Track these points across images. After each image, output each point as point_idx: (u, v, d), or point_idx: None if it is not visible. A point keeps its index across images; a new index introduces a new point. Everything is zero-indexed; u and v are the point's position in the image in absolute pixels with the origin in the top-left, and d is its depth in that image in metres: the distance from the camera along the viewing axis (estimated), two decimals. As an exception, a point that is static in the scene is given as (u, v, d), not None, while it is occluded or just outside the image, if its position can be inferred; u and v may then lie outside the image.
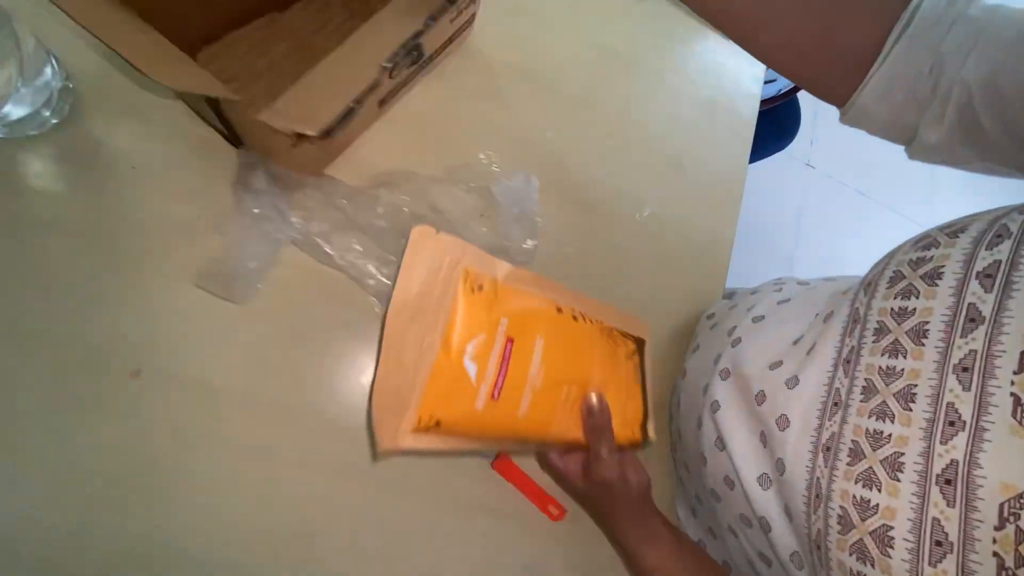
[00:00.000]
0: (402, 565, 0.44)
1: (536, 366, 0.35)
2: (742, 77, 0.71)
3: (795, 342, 0.38)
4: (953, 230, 0.30)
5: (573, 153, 0.58)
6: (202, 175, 0.44)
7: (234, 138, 0.41)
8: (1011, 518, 0.23)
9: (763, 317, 0.43)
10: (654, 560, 0.40)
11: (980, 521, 0.24)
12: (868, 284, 0.34)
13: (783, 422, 0.35)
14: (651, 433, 0.40)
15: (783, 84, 1.17)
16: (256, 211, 0.41)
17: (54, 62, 0.41)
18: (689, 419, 0.45)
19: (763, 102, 0.81)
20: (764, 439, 0.36)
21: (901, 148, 0.43)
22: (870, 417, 0.30)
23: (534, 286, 0.39)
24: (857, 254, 1.80)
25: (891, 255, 0.33)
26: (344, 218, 0.44)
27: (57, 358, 0.40)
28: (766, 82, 1.05)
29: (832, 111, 0.36)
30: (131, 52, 0.25)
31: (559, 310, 0.39)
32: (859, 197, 1.83)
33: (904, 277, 0.31)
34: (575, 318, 0.39)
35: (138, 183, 0.44)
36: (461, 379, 0.32)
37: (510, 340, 0.34)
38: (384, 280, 0.44)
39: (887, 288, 0.32)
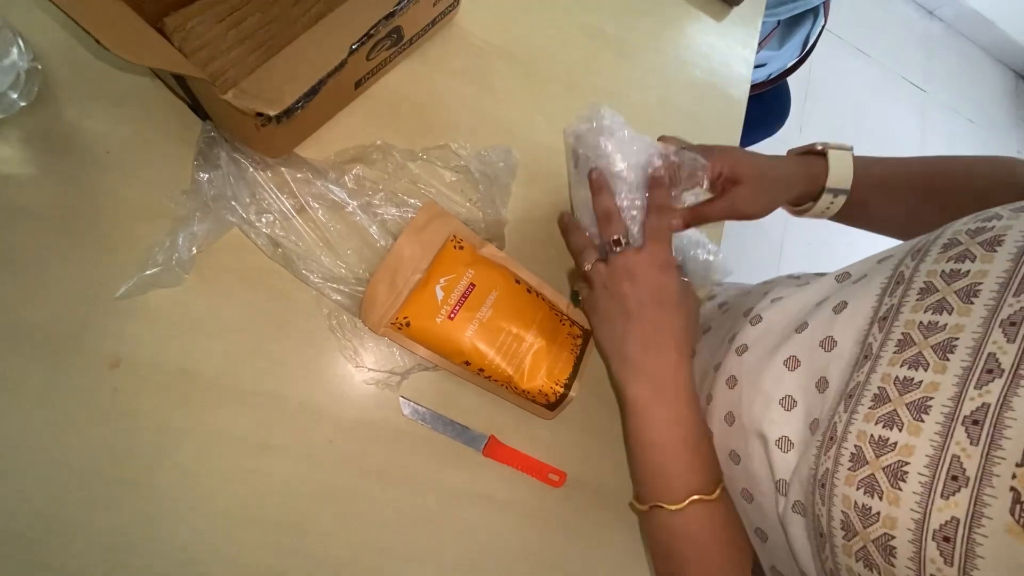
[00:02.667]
0: (394, 552, 0.44)
1: (486, 308, 0.45)
2: (733, 60, 0.70)
3: (818, 304, 0.38)
4: (1019, 207, 0.31)
5: (560, 137, 0.57)
6: (177, 156, 0.43)
7: (200, 110, 0.40)
8: None
9: (782, 297, 0.43)
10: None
11: (1002, 458, 0.24)
12: (918, 250, 0.34)
13: (823, 384, 0.35)
14: (573, 392, 0.46)
15: (773, 69, 1.16)
16: (212, 192, 0.40)
17: (20, 42, 0.40)
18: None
19: (753, 87, 0.80)
20: (791, 403, 0.36)
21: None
22: (902, 366, 0.30)
23: (504, 262, 0.49)
24: (846, 242, 1.82)
25: (947, 226, 0.34)
26: (302, 203, 0.43)
27: (32, 348, 0.39)
28: (756, 66, 1.04)
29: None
30: (94, 24, 0.24)
31: (517, 281, 0.49)
32: (848, 183, 1.83)
33: (960, 243, 0.31)
34: (529, 291, 0.49)
35: (111, 166, 0.43)
36: (430, 298, 0.44)
37: (472, 285, 0.46)
38: (319, 280, 0.44)
39: (940, 253, 0.32)
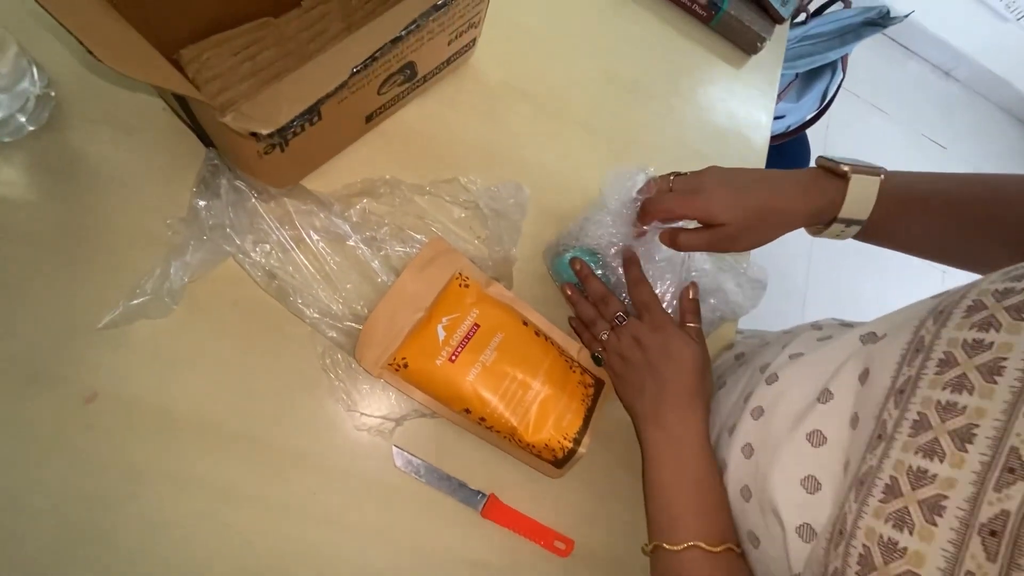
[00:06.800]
0: (374, 626, 0.39)
1: (491, 351, 0.42)
2: (753, 106, 0.69)
3: (840, 367, 0.35)
4: None
5: (574, 178, 0.56)
6: (182, 185, 0.42)
7: (206, 138, 0.39)
8: None
9: (802, 354, 0.40)
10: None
11: None
12: (940, 312, 0.30)
13: (847, 466, 0.31)
14: (583, 448, 0.43)
15: (792, 121, 1.16)
16: (210, 221, 0.38)
17: (35, 69, 0.40)
18: None
19: (772, 138, 0.79)
20: (815, 486, 0.32)
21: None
22: (916, 453, 0.27)
23: (512, 302, 0.47)
24: (872, 294, 1.77)
25: (973, 284, 0.30)
26: (302, 235, 0.41)
27: (3, 376, 0.36)
28: (775, 118, 1.04)
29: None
30: (87, 35, 0.23)
31: (525, 323, 0.46)
32: (871, 237, 1.80)
33: (985, 307, 0.28)
34: (537, 334, 0.46)
35: (114, 194, 0.42)
36: (431, 338, 0.42)
37: (476, 325, 0.43)
38: (319, 316, 0.41)
39: (963, 317, 0.29)
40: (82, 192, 0.41)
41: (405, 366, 0.41)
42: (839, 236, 0.43)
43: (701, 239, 0.43)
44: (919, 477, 0.26)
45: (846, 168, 0.40)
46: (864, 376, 0.33)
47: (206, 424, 0.39)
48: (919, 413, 0.27)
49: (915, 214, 0.41)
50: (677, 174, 0.45)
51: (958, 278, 0.37)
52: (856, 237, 0.44)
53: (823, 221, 0.42)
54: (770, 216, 0.41)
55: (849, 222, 0.41)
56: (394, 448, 0.42)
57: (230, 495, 0.38)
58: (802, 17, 1.05)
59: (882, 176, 0.40)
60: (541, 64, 0.59)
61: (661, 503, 0.39)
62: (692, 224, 0.45)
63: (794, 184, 0.42)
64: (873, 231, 0.42)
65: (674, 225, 0.46)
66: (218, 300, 0.41)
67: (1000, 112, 2.31)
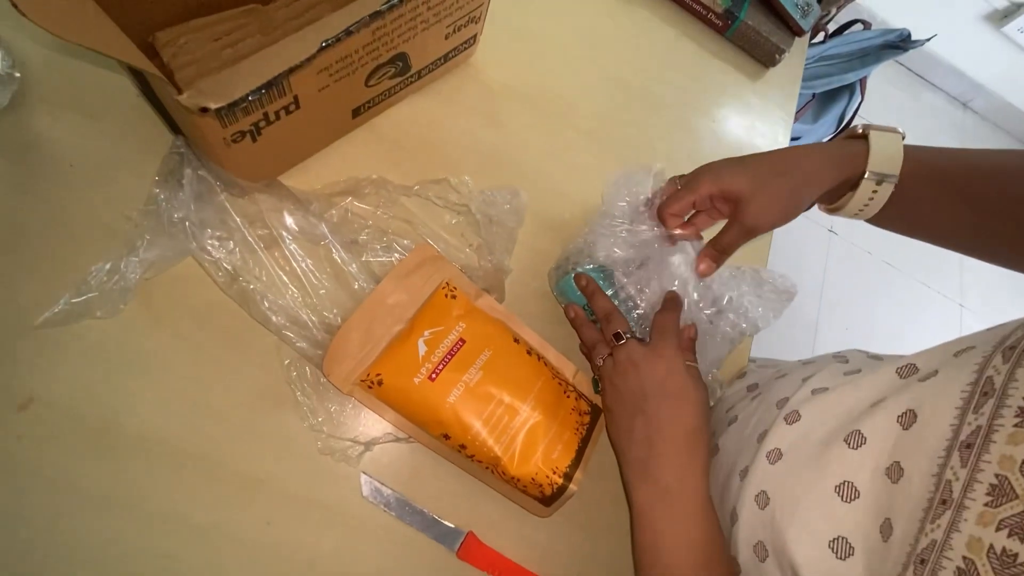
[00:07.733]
0: None
1: (476, 370, 0.38)
2: (770, 120, 0.66)
3: (875, 405, 0.30)
4: None
5: (576, 188, 0.52)
6: (148, 176, 0.38)
7: (176, 126, 0.36)
8: None
9: (827, 389, 0.35)
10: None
11: None
12: (1011, 347, 0.26)
13: (887, 529, 0.26)
14: (574, 484, 0.38)
15: (808, 143, 1.13)
16: (172, 214, 0.34)
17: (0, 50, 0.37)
18: (719, 512, 0.36)
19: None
20: (846, 550, 0.27)
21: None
22: (1000, 530, 0.22)
23: (503, 317, 0.42)
24: (885, 325, 1.71)
25: None
26: (274, 235, 0.37)
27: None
28: (791, 139, 1.00)
29: None
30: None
31: (516, 340, 0.41)
32: (885, 267, 1.74)
33: None
34: (529, 352, 0.41)
35: (74, 183, 0.38)
36: (411, 353, 0.37)
37: (462, 340, 0.39)
38: (286, 322, 0.37)
39: None
40: (39, 179, 0.38)
41: (379, 383, 0.37)
42: (868, 205, 0.38)
43: (728, 232, 0.39)
44: (1006, 563, 0.21)
45: (860, 128, 0.37)
46: (908, 419, 0.28)
47: (152, 440, 0.35)
48: (997, 476, 0.23)
49: (941, 182, 0.37)
50: (682, 176, 0.42)
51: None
52: (880, 221, 0.39)
53: (850, 176, 0.37)
54: (787, 170, 0.37)
55: (881, 177, 0.36)
56: (362, 475, 0.37)
57: (173, 521, 0.34)
58: (820, 37, 1.02)
59: (903, 135, 0.37)
60: (547, 68, 0.56)
61: (653, 574, 0.34)
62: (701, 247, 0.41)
63: (809, 145, 0.39)
64: (899, 203, 0.38)
65: (691, 240, 0.42)
66: (174, 302, 0.37)
67: (1018, 144, 2.27)
